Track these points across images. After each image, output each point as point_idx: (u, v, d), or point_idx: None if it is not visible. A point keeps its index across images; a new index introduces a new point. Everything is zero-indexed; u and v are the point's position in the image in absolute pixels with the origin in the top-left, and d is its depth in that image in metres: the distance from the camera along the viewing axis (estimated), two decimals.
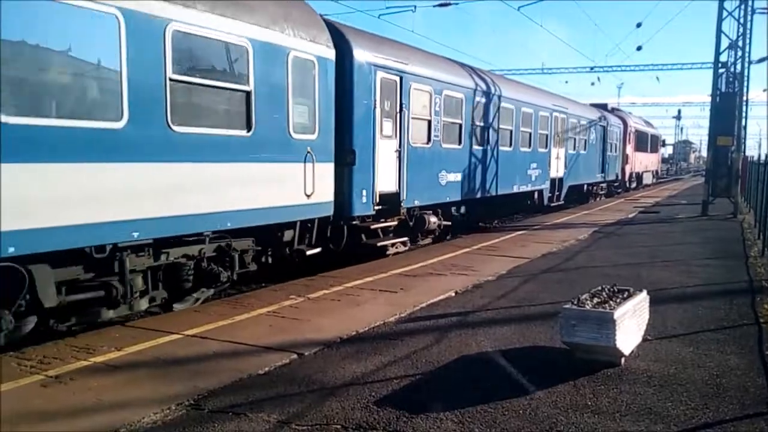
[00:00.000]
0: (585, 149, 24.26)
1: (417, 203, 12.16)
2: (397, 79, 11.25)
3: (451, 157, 13.47)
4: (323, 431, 4.13)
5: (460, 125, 13.81)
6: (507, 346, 6.04)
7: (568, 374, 5.17)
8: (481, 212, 16.90)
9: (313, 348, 5.84)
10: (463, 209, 14.92)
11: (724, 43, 19.68)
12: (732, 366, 5.48)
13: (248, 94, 7.82)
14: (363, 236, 11.03)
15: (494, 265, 10.42)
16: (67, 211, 5.76)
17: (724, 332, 6.55)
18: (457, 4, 19.05)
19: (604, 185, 29.13)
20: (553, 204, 20.93)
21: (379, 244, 11.27)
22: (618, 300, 5.62)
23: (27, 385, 4.84)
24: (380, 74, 10.72)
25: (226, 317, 6.85)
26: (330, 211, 9.62)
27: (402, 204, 11.54)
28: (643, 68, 45.49)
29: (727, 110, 19.69)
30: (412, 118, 11.75)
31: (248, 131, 7.86)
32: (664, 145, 55.09)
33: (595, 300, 5.63)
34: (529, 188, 18.57)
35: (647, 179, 40.19)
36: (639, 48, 44.37)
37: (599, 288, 6.02)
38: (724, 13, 19.40)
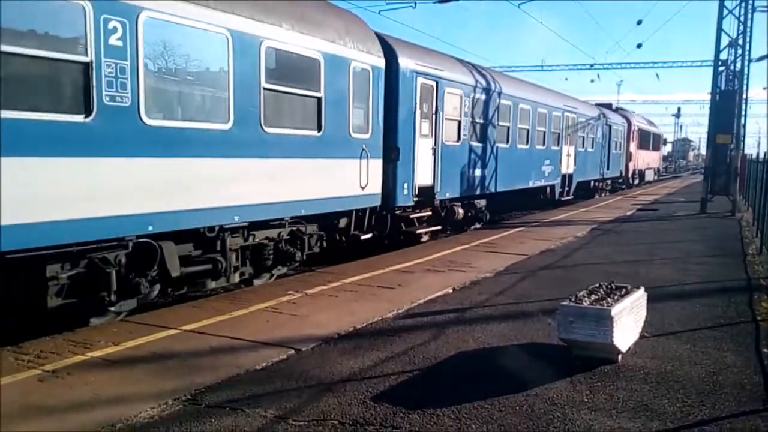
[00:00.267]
0: (592, 147, 25.38)
1: (448, 195, 13.40)
2: (434, 84, 12.45)
3: (477, 154, 14.68)
4: (320, 427, 4.13)
5: (485, 125, 15.00)
6: (504, 342, 6.05)
7: (565, 371, 5.17)
8: (500, 205, 17.84)
9: (310, 344, 5.84)
10: (484, 202, 15.84)
11: (724, 41, 19.70)
12: (729, 363, 5.49)
13: (319, 99, 9.06)
14: (402, 225, 12.18)
15: (492, 261, 10.42)
16: (191, 196, 7.03)
17: (721, 330, 6.56)
18: (457, 0, 19.01)
19: (608, 181, 30.20)
20: (563, 198, 22.04)
21: (418, 231, 12.54)
22: (615, 297, 5.62)
23: (24, 379, 4.84)
24: (420, 80, 11.92)
25: (223, 313, 6.85)
26: (379, 202, 10.84)
27: (436, 196, 12.80)
28: (643, 66, 45.21)
29: (726, 108, 19.69)
30: (445, 118, 12.96)
31: (319, 131, 9.11)
32: (665, 143, 55.77)
33: (593, 297, 5.63)
34: (542, 183, 19.68)
35: (649, 176, 41.07)
36: (639, 45, 44.29)
37: (597, 285, 6.03)
38: (725, 11, 19.40)
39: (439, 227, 13.48)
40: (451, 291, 8.24)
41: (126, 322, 6.53)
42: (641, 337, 6.03)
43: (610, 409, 4.47)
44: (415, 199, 12.00)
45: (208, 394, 4.62)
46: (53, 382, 4.79)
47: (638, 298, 5.91)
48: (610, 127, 28.15)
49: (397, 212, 11.78)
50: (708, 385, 4.98)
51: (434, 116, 12.51)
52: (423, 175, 12.23)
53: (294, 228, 9.13)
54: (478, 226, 15.72)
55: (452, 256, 11.04)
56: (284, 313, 6.95)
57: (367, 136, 10.32)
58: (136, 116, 6.35)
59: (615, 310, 5.20)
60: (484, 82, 14.99)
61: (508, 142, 16.56)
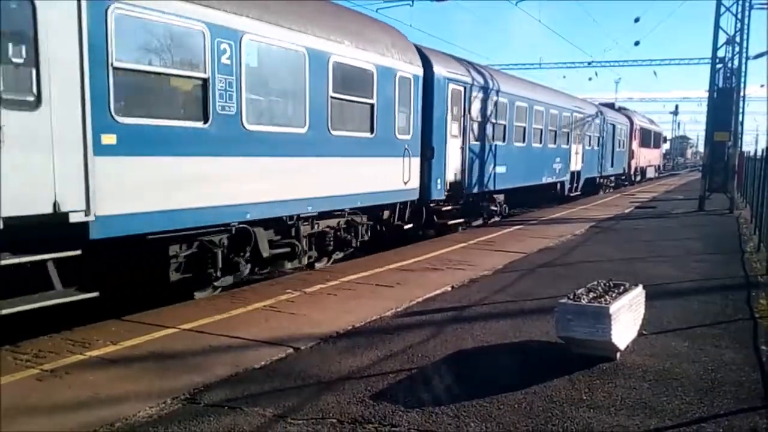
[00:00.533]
0: (598, 146, 26.76)
1: (475, 190, 14.80)
2: (462, 89, 13.73)
3: (498, 152, 15.96)
4: (319, 425, 4.13)
5: (505, 126, 16.33)
6: (503, 340, 6.05)
7: (563, 368, 5.18)
8: (516, 200, 18.85)
9: (309, 342, 5.84)
10: (502, 197, 17.14)
11: (722, 38, 19.69)
12: (727, 361, 5.50)
13: (372, 105, 10.46)
14: (435, 216, 13.47)
15: (491, 259, 10.43)
16: (278, 189, 8.47)
17: (720, 327, 6.57)
18: None
19: (612, 178, 31.58)
20: (572, 194, 23.34)
21: (450, 223, 13.87)
22: (614, 295, 5.63)
23: (22, 379, 4.83)
24: (451, 86, 13.21)
25: (222, 311, 6.85)
26: (417, 196, 12.23)
27: (464, 191, 14.14)
28: (641, 63, 44.96)
29: (724, 106, 19.68)
30: (472, 120, 14.28)
31: (371, 133, 10.51)
32: (665, 141, 56.53)
33: (591, 294, 5.64)
34: (553, 180, 21.01)
35: (650, 173, 42.45)
36: (637, 43, 44.36)
37: (595, 282, 6.03)
38: (722, 9, 19.40)
39: (464, 219, 14.76)
40: (449, 289, 8.24)
41: (125, 321, 6.52)
42: (640, 334, 6.04)
43: (608, 407, 4.48)
44: (446, 193, 13.25)
45: (207, 393, 4.61)
46: (52, 382, 4.78)
47: (636, 296, 5.92)
48: (614, 126, 29.37)
49: (431, 205, 13.04)
50: (706, 382, 4.99)
51: (462, 118, 13.80)
52: (453, 172, 13.54)
53: (350, 218, 10.53)
54: (497, 219, 16.99)
55: (451, 254, 11.04)
56: (283, 311, 6.95)
57: (408, 137, 11.70)
58: (239, 123, 7.70)
59: (613, 308, 5.21)
60: (503, 87, 16.28)
61: (524, 141, 17.78)
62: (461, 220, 14.49)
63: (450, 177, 13.36)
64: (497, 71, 17.56)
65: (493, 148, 15.54)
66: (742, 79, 20.30)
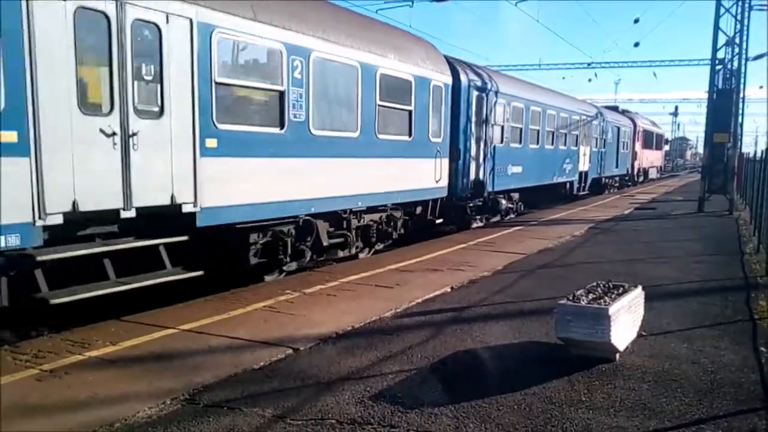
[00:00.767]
0: (604, 147, 27.92)
1: (495, 189, 16.02)
2: (485, 95, 15.00)
3: (515, 154, 17.22)
4: (318, 426, 4.13)
5: (521, 129, 17.57)
6: (502, 341, 6.05)
7: (563, 369, 5.18)
8: (529, 199, 19.74)
9: (308, 343, 5.84)
10: (517, 195, 18.24)
11: (721, 39, 19.68)
12: (726, 362, 5.50)
13: (410, 112, 11.68)
14: (460, 213, 14.81)
15: (490, 260, 10.43)
16: (336, 186, 9.69)
17: (719, 328, 6.57)
18: None
19: (617, 178, 32.74)
20: (580, 193, 24.53)
21: (476, 217, 15.53)
22: (613, 296, 5.63)
23: (22, 379, 4.83)
24: (474, 93, 14.45)
25: (221, 312, 6.84)
26: (446, 193, 13.37)
27: (486, 189, 15.36)
28: (641, 64, 45.07)
29: (723, 107, 19.68)
30: (493, 124, 15.53)
31: (409, 137, 11.75)
32: (667, 142, 57.22)
33: (591, 296, 5.64)
34: (563, 179, 22.28)
35: (653, 174, 43.54)
36: (636, 44, 44.32)
37: (595, 284, 6.04)
38: (722, 10, 19.41)
39: (487, 215, 16.29)
40: (449, 290, 8.24)
41: (124, 321, 6.52)
42: (639, 335, 6.04)
43: (607, 408, 4.48)
44: (470, 191, 14.58)
45: (207, 394, 4.61)
46: (51, 382, 4.78)
47: (636, 297, 5.92)
48: (618, 128, 30.58)
49: (458, 202, 14.37)
50: (706, 383, 4.99)
51: (484, 122, 15.04)
52: (475, 172, 14.80)
53: (390, 213, 11.79)
54: (513, 216, 18.16)
55: (451, 255, 11.04)
56: (282, 312, 6.95)
57: (439, 140, 12.87)
58: (307, 128, 8.93)
59: (613, 309, 5.21)
60: (519, 93, 17.56)
61: (537, 143, 18.94)
62: (485, 216, 16.01)
63: (473, 176, 14.57)
64: (513, 78, 18.99)
65: (510, 150, 16.75)
66: (742, 81, 20.30)
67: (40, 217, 5.75)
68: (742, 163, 22.82)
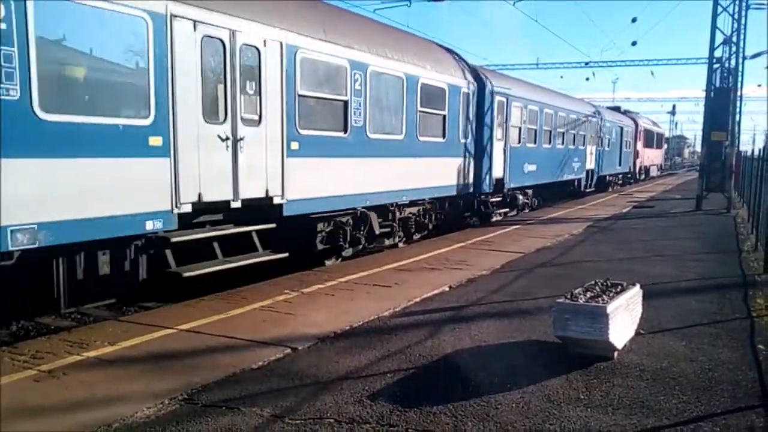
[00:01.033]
0: (608, 146, 29.32)
1: (513, 185, 17.33)
2: (505, 99, 16.28)
3: (531, 153, 18.48)
4: (316, 425, 4.13)
5: (535, 130, 18.84)
6: (500, 340, 6.05)
7: (561, 368, 5.18)
8: (541, 195, 21.01)
9: (306, 342, 5.84)
10: (531, 192, 19.62)
11: (719, 38, 19.72)
12: (724, 360, 5.51)
13: (444, 116, 13.18)
14: (482, 207, 16.24)
15: (488, 259, 10.44)
16: (387, 182, 11.15)
17: (717, 326, 6.58)
18: None
19: (620, 176, 34.11)
20: (587, 190, 25.93)
21: (498, 211, 17.20)
22: (611, 294, 5.64)
23: (20, 380, 4.83)
24: (497, 97, 15.70)
25: (220, 312, 6.84)
26: (472, 189, 14.89)
27: (505, 186, 16.68)
28: (638, 63, 45.03)
29: (721, 105, 19.71)
30: (511, 126, 16.80)
31: (443, 138, 13.21)
32: (667, 141, 57.97)
33: (589, 294, 5.64)
34: (572, 177, 23.63)
35: (653, 172, 45.03)
36: (634, 43, 44.39)
37: (592, 282, 6.04)
38: (719, 9, 19.43)
39: (507, 209, 17.75)
40: (447, 289, 8.25)
41: (122, 322, 6.52)
42: (637, 334, 6.05)
43: (606, 406, 4.48)
44: (492, 187, 15.79)
45: (205, 394, 4.61)
46: (49, 383, 4.78)
47: (634, 295, 5.93)
48: (621, 128, 32.00)
49: (481, 197, 15.76)
50: (704, 381, 5.00)
51: (504, 124, 16.36)
52: (497, 170, 15.97)
53: (427, 206, 13.16)
54: (527, 211, 19.37)
55: (449, 254, 11.05)
56: (280, 312, 6.95)
57: (467, 141, 14.33)
58: (364, 132, 10.39)
59: (611, 307, 5.21)
60: (534, 96, 18.92)
61: (550, 143, 20.21)
62: (506, 210, 17.64)
63: (495, 174, 15.81)
64: (528, 83, 20.61)
65: (526, 149, 18.05)
66: (739, 79, 20.35)
67: (176, 206, 7.12)
68: (740, 161, 22.87)
